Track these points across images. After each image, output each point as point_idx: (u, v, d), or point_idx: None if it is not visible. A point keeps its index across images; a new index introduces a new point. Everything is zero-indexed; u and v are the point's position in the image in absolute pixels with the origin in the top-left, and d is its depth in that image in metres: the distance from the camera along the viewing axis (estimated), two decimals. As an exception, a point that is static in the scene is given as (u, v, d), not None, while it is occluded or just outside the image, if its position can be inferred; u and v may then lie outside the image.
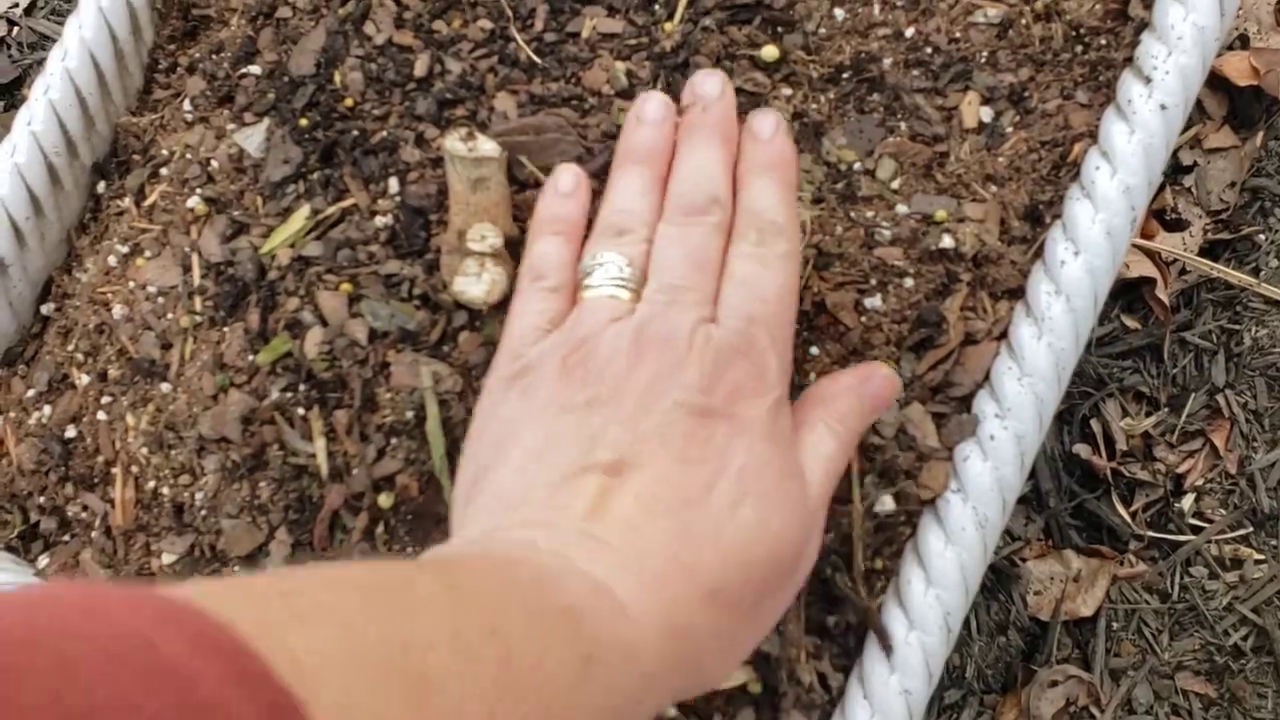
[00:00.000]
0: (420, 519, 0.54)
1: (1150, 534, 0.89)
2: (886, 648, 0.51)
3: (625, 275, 0.46)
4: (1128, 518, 0.90)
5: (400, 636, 0.29)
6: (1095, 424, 0.91)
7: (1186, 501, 0.89)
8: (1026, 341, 0.52)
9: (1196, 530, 0.88)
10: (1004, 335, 0.54)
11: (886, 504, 0.53)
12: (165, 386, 0.61)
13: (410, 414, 0.54)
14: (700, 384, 0.42)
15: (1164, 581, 0.88)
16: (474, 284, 0.52)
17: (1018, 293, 0.55)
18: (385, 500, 0.54)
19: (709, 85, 0.50)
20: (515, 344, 0.47)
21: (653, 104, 0.50)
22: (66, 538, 0.64)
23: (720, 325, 0.44)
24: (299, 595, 0.29)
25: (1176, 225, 0.92)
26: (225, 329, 0.60)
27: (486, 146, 0.53)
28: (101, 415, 0.62)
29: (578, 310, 0.47)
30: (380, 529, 0.55)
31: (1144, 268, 0.90)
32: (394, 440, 0.54)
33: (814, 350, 0.54)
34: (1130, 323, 0.93)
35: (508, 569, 0.36)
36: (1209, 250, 0.91)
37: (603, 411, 0.42)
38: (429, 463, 0.53)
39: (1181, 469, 0.90)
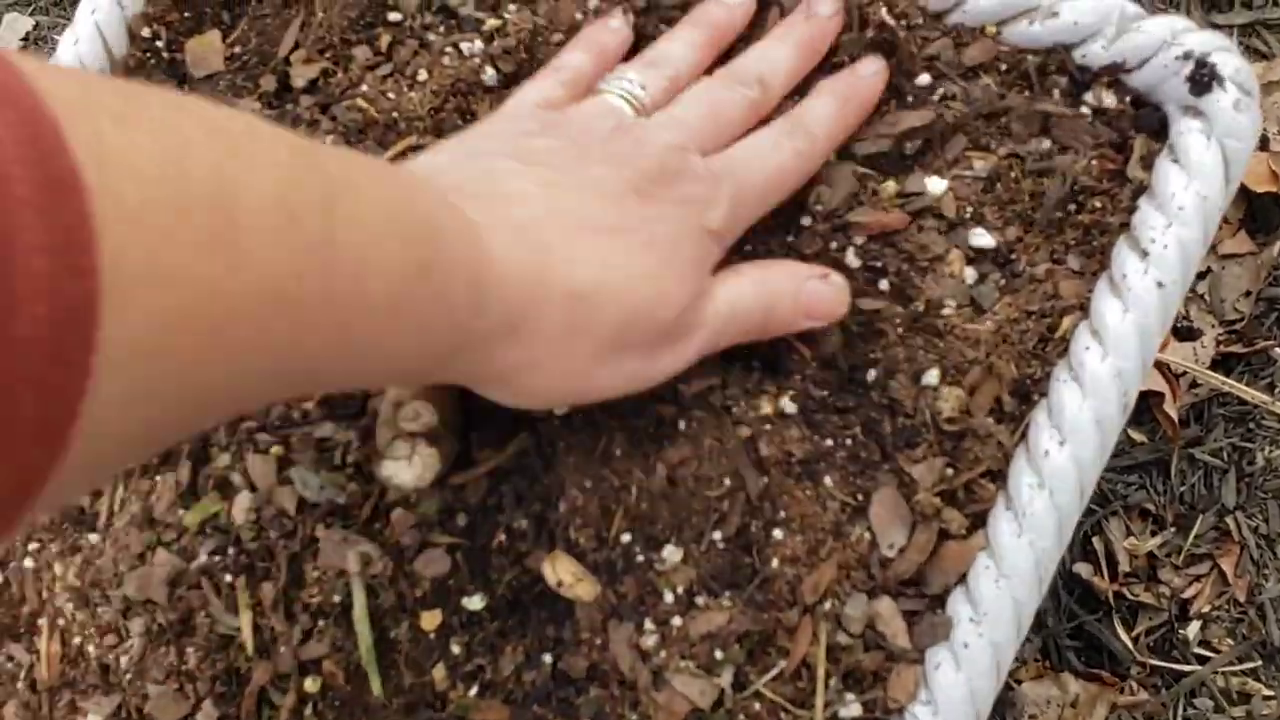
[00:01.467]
0: (348, 707, 0.51)
1: (1153, 661, 0.84)
2: None
3: (637, 93, 0.49)
4: (1129, 642, 0.85)
5: (226, 173, 0.27)
6: (1098, 542, 0.86)
7: (1192, 629, 0.84)
8: (1006, 539, 0.48)
9: (1202, 660, 0.84)
10: (982, 523, 0.50)
11: (852, 710, 0.48)
12: (94, 537, 0.58)
13: (338, 598, 0.50)
14: (652, 174, 0.45)
15: (1166, 713, 0.84)
16: (404, 469, 0.48)
17: (998, 476, 0.50)
18: (311, 685, 0.50)
19: (824, 4, 0.53)
20: (506, 110, 0.50)
21: None
22: (-9, 685, 0.60)
23: (701, 160, 0.47)
24: (137, 101, 0.26)
25: (1188, 334, 0.87)
26: (157, 478, 0.57)
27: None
28: (29, 562, 0.59)
29: (577, 104, 0.49)
30: (309, 710, 0.51)
31: (1152, 381, 0.85)
32: (321, 622, 0.51)
33: (778, 533, 0.50)
34: (1137, 436, 0.88)
35: (383, 170, 0.36)
36: (1221, 363, 0.86)
37: (555, 150, 0.45)
38: (356, 652, 0.50)
39: (1187, 594, 0.85)
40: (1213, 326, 0.86)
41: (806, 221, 0.54)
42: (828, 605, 0.50)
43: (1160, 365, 0.85)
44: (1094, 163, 0.52)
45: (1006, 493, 0.49)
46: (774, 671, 0.49)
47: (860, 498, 0.51)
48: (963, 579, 0.49)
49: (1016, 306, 0.51)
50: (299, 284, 0.29)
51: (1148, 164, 0.51)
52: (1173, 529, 0.86)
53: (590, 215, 0.43)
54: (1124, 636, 0.85)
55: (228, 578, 0.53)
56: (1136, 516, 0.87)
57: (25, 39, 1.30)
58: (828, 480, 0.51)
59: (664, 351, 0.46)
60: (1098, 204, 0.52)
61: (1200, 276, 0.88)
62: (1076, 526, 0.82)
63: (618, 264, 0.43)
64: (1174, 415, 0.85)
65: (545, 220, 0.42)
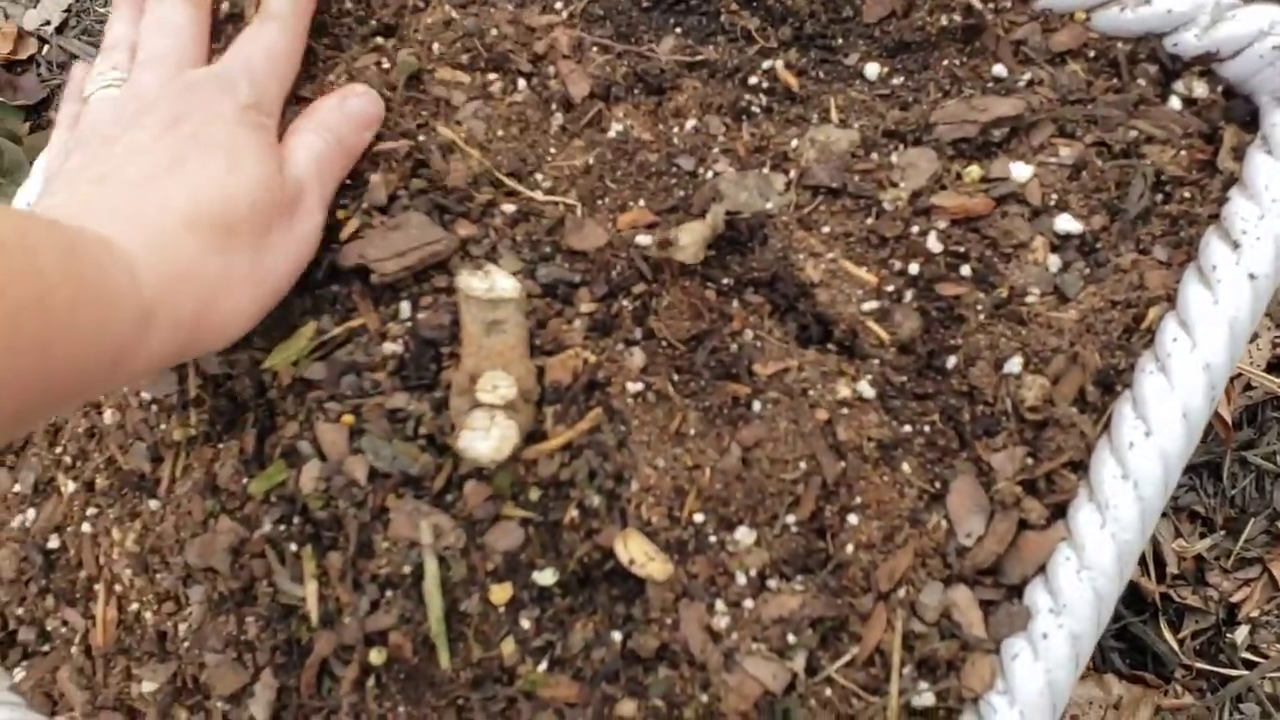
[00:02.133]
0: (413, 680, 0.50)
1: (1199, 665, 0.84)
2: None
3: (111, 76, 0.56)
4: (1175, 645, 0.84)
5: None
6: (1146, 543, 0.85)
7: (1240, 633, 0.84)
8: (1088, 530, 0.48)
9: (1250, 665, 0.83)
10: (1062, 514, 0.49)
11: (926, 699, 0.48)
12: (154, 504, 0.57)
13: (408, 569, 0.49)
14: (166, 108, 0.50)
15: (1212, 717, 0.83)
16: (481, 439, 0.47)
17: (1080, 467, 0.50)
18: (376, 657, 0.50)
19: None
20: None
21: None
22: (46, 648, 0.60)
23: (198, 70, 0.54)
24: None
25: (1243, 336, 0.86)
26: (220, 446, 0.56)
27: (504, 284, 0.48)
28: (86, 527, 0.59)
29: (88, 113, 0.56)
30: (371, 682, 0.51)
31: (1206, 381, 0.84)
32: (389, 593, 0.50)
33: (853, 519, 0.50)
34: (1188, 438, 0.87)
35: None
36: (1277, 365, 0.85)
37: (94, 156, 0.50)
38: (425, 623, 0.49)
39: (1236, 597, 0.84)
40: (1269, 329, 0.85)
41: (888, 205, 0.53)
42: (902, 593, 0.49)
43: (1215, 367, 0.84)
44: (1182, 153, 0.51)
45: (1089, 484, 0.49)
46: (846, 657, 0.49)
47: (938, 485, 0.50)
48: (1041, 570, 0.49)
49: (1101, 296, 0.51)
50: None
51: (1239, 155, 0.50)
52: (1222, 532, 0.85)
53: (144, 170, 0.48)
54: (1170, 639, 0.84)
55: (293, 547, 0.52)
56: (1186, 519, 0.86)
57: (68, 10, 1.30)
58: (905, 466, 0.50)
59: (293, 219, 0.51)
60: (1186, 194, 0.51)
61: (1257, 278, 0.87)
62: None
63: (193, 175, 0.48)
64: (1227, 418, 0.84)
65: (123, 204, 0.47)
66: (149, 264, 0.44)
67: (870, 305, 0.52)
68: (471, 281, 0.48)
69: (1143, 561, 0.85)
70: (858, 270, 0.53)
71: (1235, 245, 0.48)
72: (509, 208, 0.54)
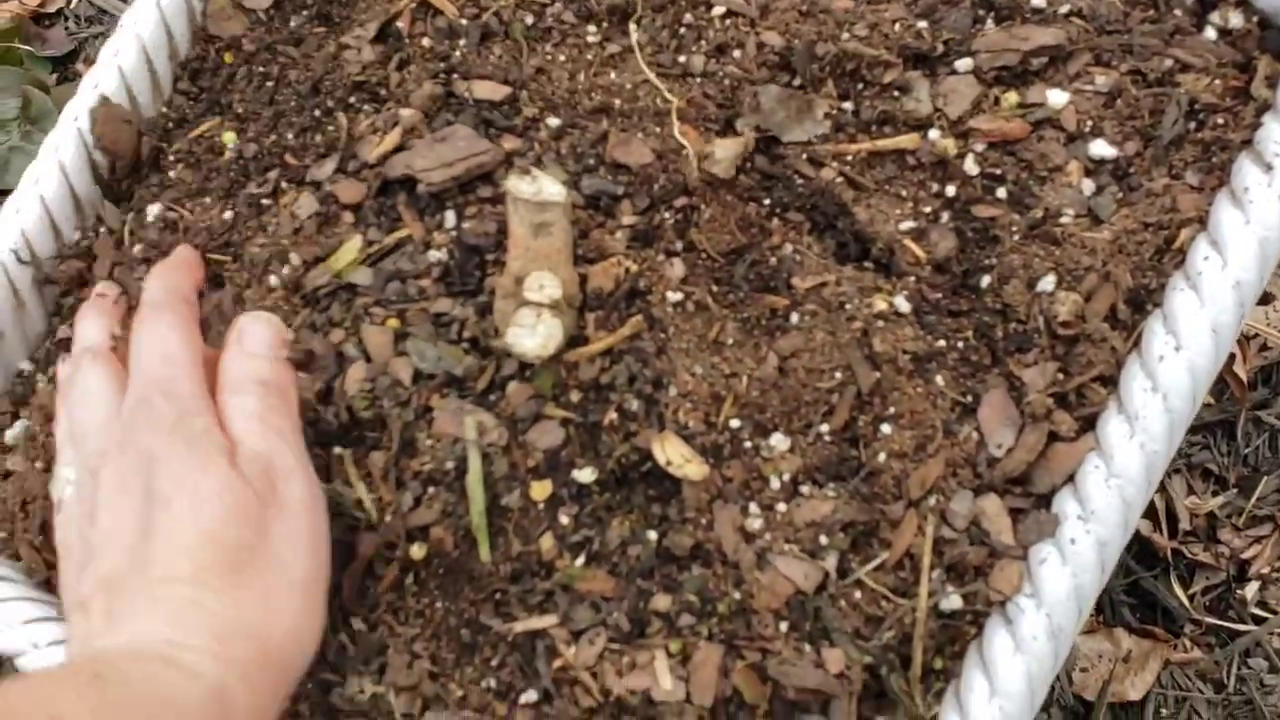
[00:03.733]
0: (452, 575, 0.51)
1: (1209, 619, 0.85)
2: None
3: (68, 474, 0.52)
4: (1185, 600, 0.85)
5: None
6: (1158, 499, 0.86)
7: (1250, 589, 0.85)
8: (1116, 440, 0.49)
9: (1259, 620, 0.84)
10: (1092, 426, 0.50)
11: (953, 602, 0.49)
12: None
13: (451, 464, 0.51)
14: (114, 475, 0.48)
15: (1220, 671, 0.84)
16: (528, 336, 0.48)
17: (1110, 381, 0.51)
18: (417, 552, 0.51)
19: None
20: None
21: None
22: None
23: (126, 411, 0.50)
24: None
25: (1261, 298, 0.87)
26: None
27: (551, 189, 0.49)
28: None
29: None
30: (410, 580, 0.52)
31: (1223, 340, 0.85)
32: (431, 489, 0.51)
33: (885, 428, 0.51)
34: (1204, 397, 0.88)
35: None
36: (1293, 327, 0.87)
37: (82, 552, 0.49)
38: (466, 517, 0.50)
39: (1247, 554, 0.85)
40: (1286, 291, 0.87)
41: (934, 133, 0.54)
42: (933, 501, 0.50)
43: (1232, 326, 0.85)
44: (1217, 81, 0.53)
45: (1119, 396, 0.50)
46: (877, 561, 0.50)
47: (970, 398, 0.51)
48: (1070, 479, 0.50)
49: (1134, 218, 0.52)
50: None
51: (1272, 83, 0.52)
52: (1235, 490, 0.86)
53: (126, 554, 0.46)
54: (1180, 594, 0.85)
55: (337, 449, 0.53)
56: (1199, 476, 0.87)
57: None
58: (939, 379, 0.51)
59: (277, 495, 0.48)
60: (1219, 121, 0.52)
61: (1275, 242, 0.88)
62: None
63: (176, 543, 0.45)
64: (1243, 377, 0.85)
65: (134, 602, 0.45)
66: (189, 649, 0.43)
67: (908, 225, 0.54)
68: (520, 185, 0.49)
69: (1155, 517, 0.86)
70: (896, 191, 0.54)
71: (1268, 167, 0.49)
72: (553, 122, 0.55)
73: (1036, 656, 0.47)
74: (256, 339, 0.52)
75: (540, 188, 0.49)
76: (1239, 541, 0.85)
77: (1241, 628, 0.84)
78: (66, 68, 1.27)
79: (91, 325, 0.56)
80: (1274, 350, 0.87)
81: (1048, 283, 0.51)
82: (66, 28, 1.28)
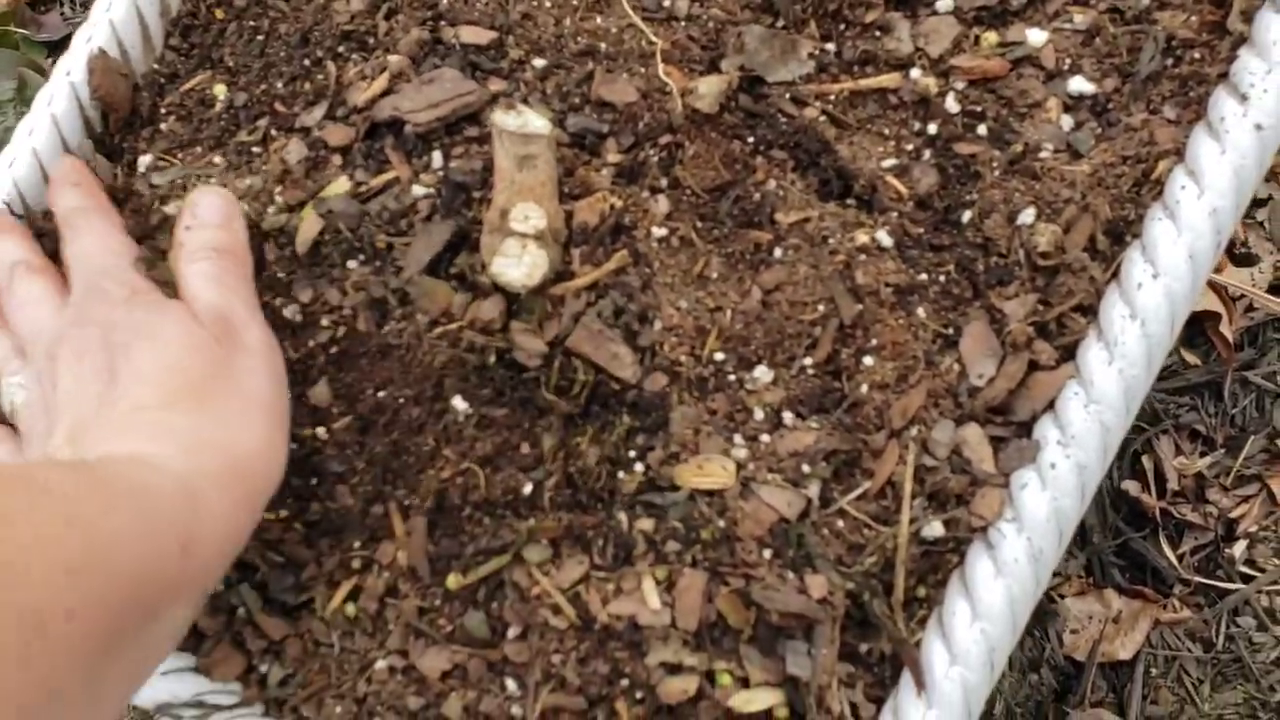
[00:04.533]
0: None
1: (1197, 579, 0.85)
2: (920, 684, 0.48)
3: (15, 383, 0.54)
4: (1174, 560, 0.86)
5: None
6: (1147, 460, 0.87)
7: (1238, 548, 0.85)
8: (1096, 366, 0.49)
9: (1247, 579, 0.85)
10: (1072, 355, 0.51)
11: (935, 529, 0.49)
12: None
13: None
14: (72, 350, 0.49)
15: (1208, 630, 0.84)
16: (513, 266, 0.49)
17: (1089, 311, 0.51)
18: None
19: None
20: None
21: None
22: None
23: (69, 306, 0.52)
24: None
25: (1246, 260, 0.88)
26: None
27: (536, 123, 0.50)
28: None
29: None
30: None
31: (1209, 301, 0.86)
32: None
33: (868, 360, 0.51)
34: (1190, 358, 0.89)
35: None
36: (1278, 288, 0.87)
37: (46, 419, 0.50)
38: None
39: (1235, 514, 0.86)
40: (1271, 253, 0.87)
41: (916, 72, 0.55)
42: (915, 431, 0.51)
43: (1217, 287, 0.86)
44: (1193, 17, 0.53)
45: (1098, 324, 0.50)
46: (859, 490, 0.50)
47: (952, 330, 0.52)
48: (1050, 407, 0.50)
49: (1113, 152, 0.52)
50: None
51: (1248, 17, 0.52)
52: (1222, 450, 0.87)
53: (93, 398, 0.48)
54: (1169, 554, 0.86)
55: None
56: (1187, 437, 0.88)
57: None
58: (920, 312, 0.52)
59: (237, 341, 0.50)
60: (1196, 56, 0.53)
61: (1260, 204, 0.89)
62: (1125, 444, 0.83)
63: (141, 376, 0.48)
64: (1229, 337, 0.86)
65: (102, 429, 0.47)
66: (159, 455, 0.44)
67: (889, 162, 0.54)
68: (505, 118, 0.50)
69: (1144, 478, 0.87)
70: (878, 129, 0.55)
71: (1243, 98, 0.50)
72: (539, 63, 0.56)
73: (1018, 579, 0.48)
74: (209, 209, 0.54)
75: (525, 121, 0.50)
76: (1227, 501, 0.86)
77: (1230, 586, 0.85)
78: (61, 50, 1.28)
79: (9, 243, 0.57)
80: (1260, 311, 0.87)
81: (1027, 215, 0.52)
82: (62, 13, 1.29)
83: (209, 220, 0.54)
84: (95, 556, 0.38)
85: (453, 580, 0.51)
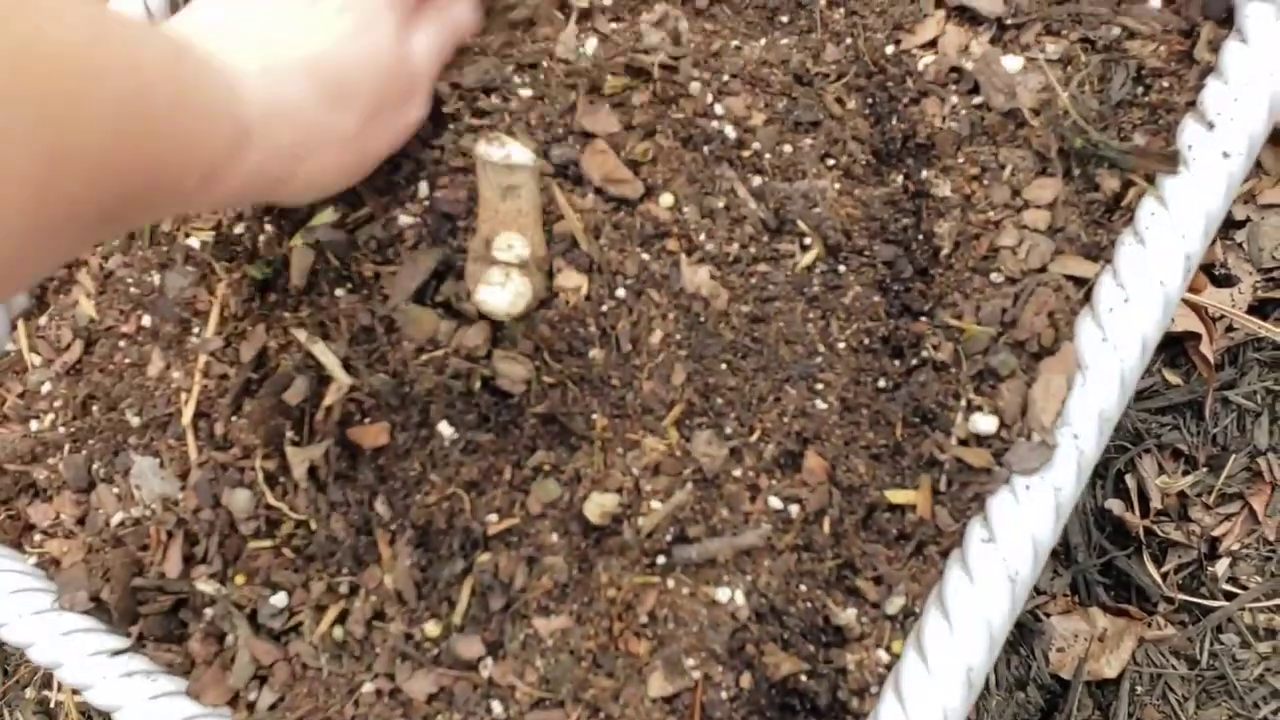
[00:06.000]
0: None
1: (1181, 597, 0.86)
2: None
3: None
4: (1158, 578, 0.87)
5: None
6: (1130, 480, 0.88)
7: (1221, 566, 0.86)
8: (1072, 389, 0.50)
9: (1230, 596, 0.85)
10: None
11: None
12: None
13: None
14: None
15: (1193, 647, 0.85)
16: (498, 294, 0.50)
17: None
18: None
19: None
20: None
21: None
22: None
23: None
24: None
25: (1225, 281, 0.89)
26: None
27: (519, 154, 0.51)
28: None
29: None
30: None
31: (1189, 322, 0.87)
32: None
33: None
34: (1172, 378, 0.90)
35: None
36: (1258, 309, 0.88)
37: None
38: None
39: (1217, 532, 0.87)
40: (1250, 274, 0.88)
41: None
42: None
43: (1197, 308, 0.87)
44: (1162, 47, 0.55)
45: (1073, 347, 0.51)
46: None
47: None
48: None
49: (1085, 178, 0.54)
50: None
51: (1215, 47, 0.53)
52: (1205, 469, 0.87)
53: (279, 6, 0.49)
54: (1153, 572, 0.87)
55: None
56: (1169, 456, 0.89)
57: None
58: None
59: (403, 107, 0.52)
60: (1165, 84, 0.54)
61: (1238, 226, 0.90)
62: (1108, 463, 0.84)
63: (325, 28, 0.49)
64: (1210, 357, 0.87)
65: (248, 29, 0.48)
66: (255, 89, 0.45)
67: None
68: (489, 149, 0.51)
69: (1127, 497, 0.87)
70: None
71: (1210, 126, 0.51)
72: (525, 93, 0.57)
73: (993, 598, 0.49)
74: (464, 12, 0.57)
75: (509, 152, 0.51)
76: (1209, 519, 0.87)
77: (1213, 604, 0.86)
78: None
79: None
80: (1239, 331, 0.88)
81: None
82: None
83: (462, 20, 0.56)
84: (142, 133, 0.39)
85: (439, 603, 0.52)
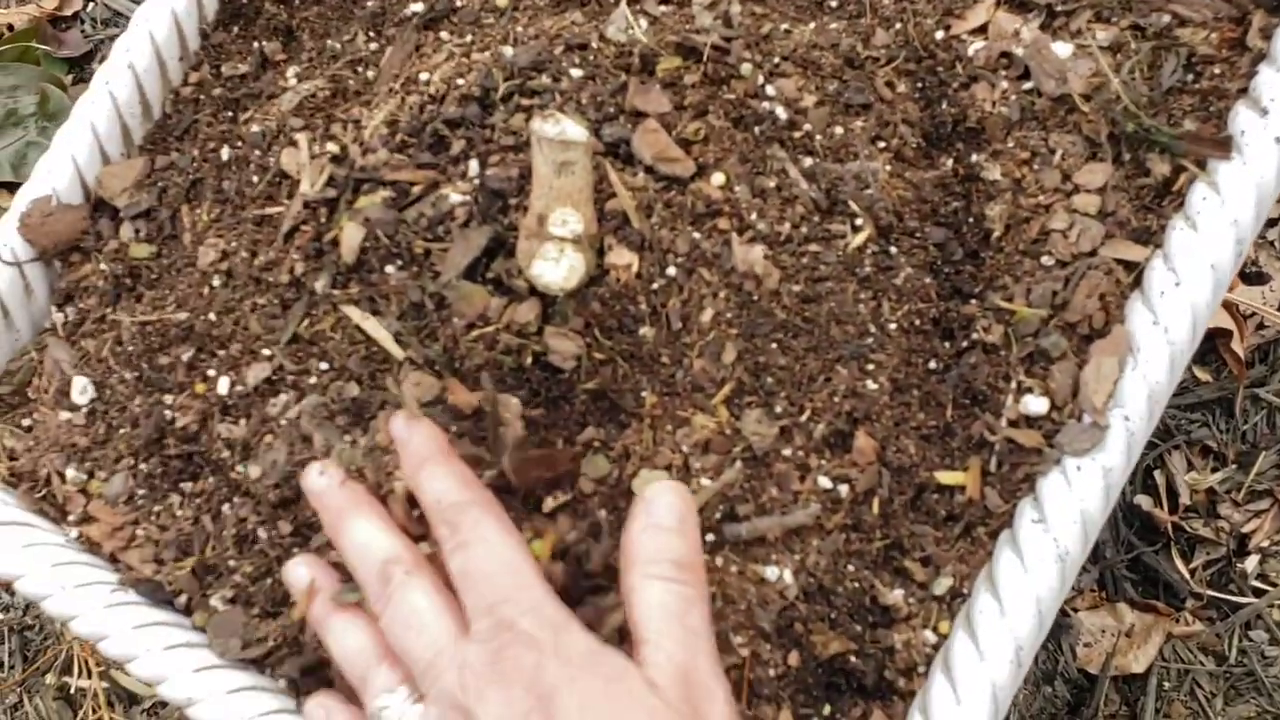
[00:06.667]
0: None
1: (1210, 593, 0.86)
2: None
3: (403, 702, 0.46)
4: (1187, 574, 0.87)
5: None
6: (1159, 475, 0.88)
7: (1250, 562, 0.86)
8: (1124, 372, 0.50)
9: (1259, 593, 0.85)
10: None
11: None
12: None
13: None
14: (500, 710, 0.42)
15: (1221, 644, 0.85)
16: (552, 269, 0.50)
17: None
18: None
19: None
20: None
21: None
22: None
23: (479, 643, 0.44)
24: None
25: (1257, 279, 0.89)
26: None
27: (573, 131, 0.51)
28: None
29: None
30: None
31: (1220, 319, 0.87)
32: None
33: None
34: (1202, 375, 0.90)
35: None
36: (1290, 307, 0.89)
37: None
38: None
39: (1247, 528, 0.87)
40: (1281, 272, 0.89)
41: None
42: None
43: (1228, 305, 0.87)
44: (1213, 34, 0.55)
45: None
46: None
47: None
48: (1076, 411, 0.51)
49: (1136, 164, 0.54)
50: None
51: (1267, 34, 0.54)
52: (1234, 465, 0.88)
53: None
54: (1181, 568, 0.87)
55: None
56: (1199, 452, 0.89)
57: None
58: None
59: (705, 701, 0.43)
60: (1216, 71, 0.54)
61: (1271, 224, 0.90)
62: (1138, 460, 0.84)
63: None
64: (1240, 354, 0.87)
65: None
66: None
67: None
68: (544, 126, 0.51)
69: (1156, 493, 0.88)
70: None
71: (1264, 112, 0.51)
72: (576, 73, 0.57)
73: (1044, 578, 0.49)
74: (666, 509, 0.47)
75: (563, 129, 0.51)
76: (1239, 516, 0.87)
77: (1242, 600, 0.86)
78: (82, 68, 1.29)
79: (378, 531, 0.49)
80: (1271, 329, 0.88)
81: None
82: (83, 30, 1.31)
83: (668, 523, 0.46)
84: None
85: None
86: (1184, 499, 0.87)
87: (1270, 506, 0.87)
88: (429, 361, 0.53)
